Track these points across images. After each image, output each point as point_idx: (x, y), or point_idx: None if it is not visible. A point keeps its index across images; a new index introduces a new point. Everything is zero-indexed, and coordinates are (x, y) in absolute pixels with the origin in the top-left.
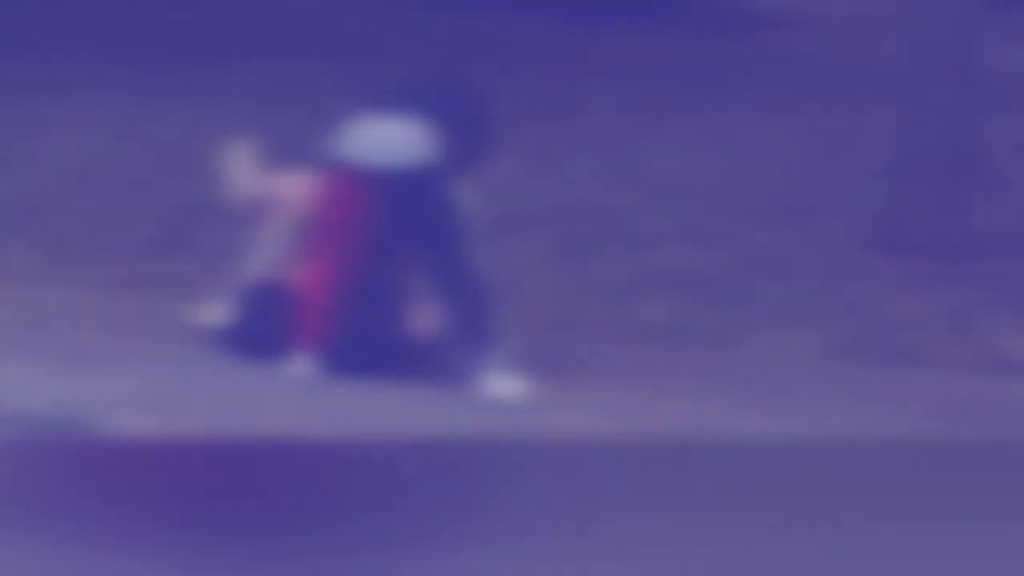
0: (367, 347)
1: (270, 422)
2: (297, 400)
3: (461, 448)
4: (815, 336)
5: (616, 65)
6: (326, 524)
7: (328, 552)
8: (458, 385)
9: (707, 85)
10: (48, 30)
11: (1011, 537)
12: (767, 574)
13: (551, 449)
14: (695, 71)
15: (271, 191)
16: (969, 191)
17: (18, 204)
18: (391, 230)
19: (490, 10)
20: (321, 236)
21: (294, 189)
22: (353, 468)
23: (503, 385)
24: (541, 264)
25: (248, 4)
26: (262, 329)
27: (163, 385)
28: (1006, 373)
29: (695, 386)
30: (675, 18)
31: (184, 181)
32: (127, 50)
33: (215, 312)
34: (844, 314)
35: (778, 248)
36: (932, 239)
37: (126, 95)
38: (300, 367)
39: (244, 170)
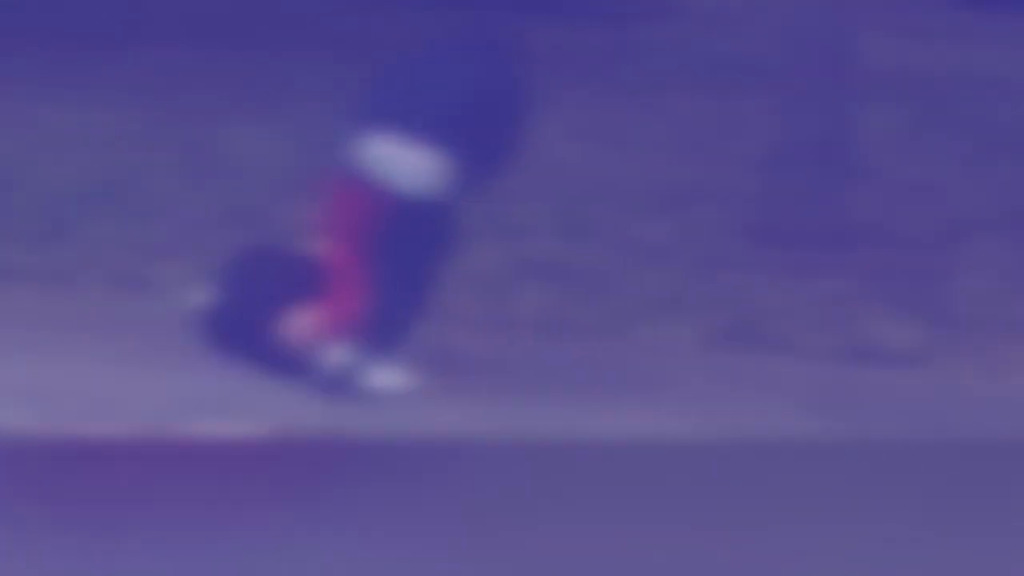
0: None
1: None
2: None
3: (331, 444)
4: (691, 326)
5: None
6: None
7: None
8: (338, 381)
9: (580, 74)
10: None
11: (904, 533)
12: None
13: (423, 446)
14: (568, 60)
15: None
16: (842, 181)
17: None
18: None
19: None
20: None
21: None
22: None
23: (387, 379)
24: None
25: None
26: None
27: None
28: (878, 362)
29: (569, 378)
30: (548, 7)
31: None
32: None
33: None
34: (720, 303)
35: (653, 237)
36: (806, 228)
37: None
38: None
39: None
